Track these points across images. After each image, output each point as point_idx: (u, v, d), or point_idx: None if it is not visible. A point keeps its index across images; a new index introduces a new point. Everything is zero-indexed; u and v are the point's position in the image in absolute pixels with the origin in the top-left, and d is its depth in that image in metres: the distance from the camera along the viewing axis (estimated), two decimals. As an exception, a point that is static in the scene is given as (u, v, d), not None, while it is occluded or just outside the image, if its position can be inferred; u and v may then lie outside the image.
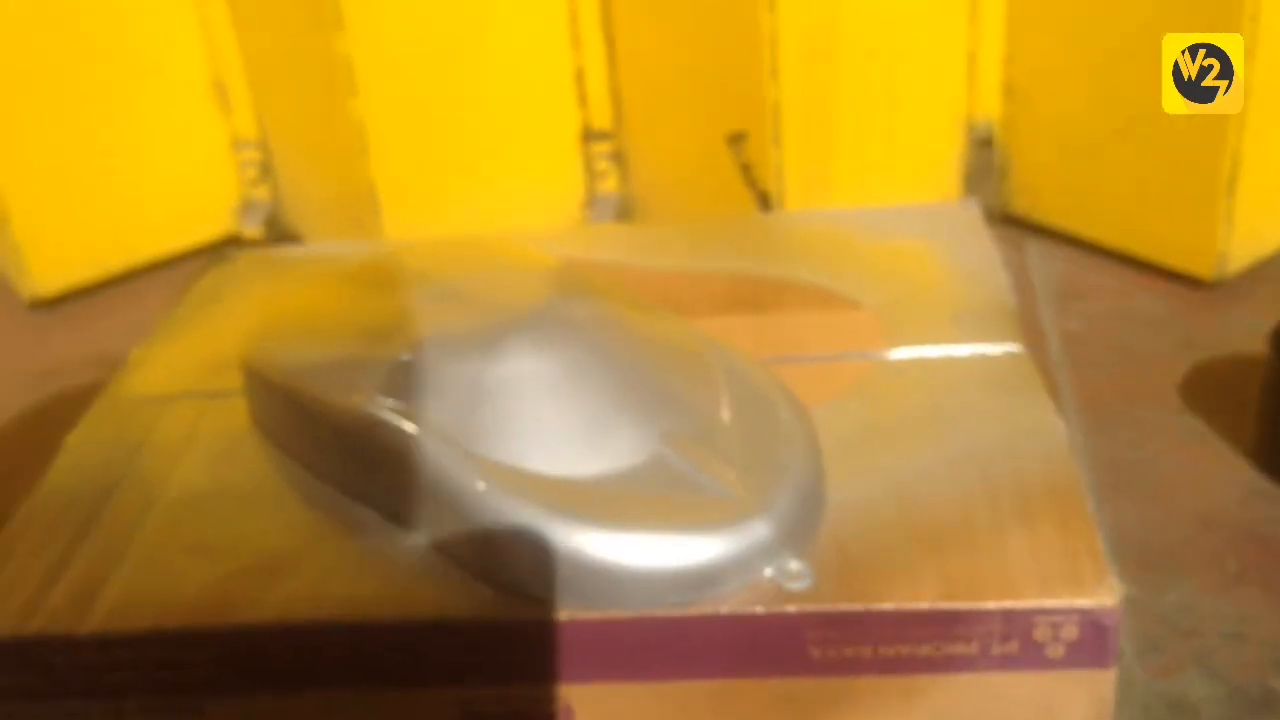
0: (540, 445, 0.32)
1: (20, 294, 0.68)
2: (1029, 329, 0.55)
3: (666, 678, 0.31)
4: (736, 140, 0.62)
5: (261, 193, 0.72)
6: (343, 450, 0.35)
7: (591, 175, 0.69)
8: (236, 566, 0.33)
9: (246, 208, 0.73)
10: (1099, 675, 0.30)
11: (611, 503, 0.31)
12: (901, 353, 0.39)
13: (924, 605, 0.30)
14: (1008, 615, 0.29)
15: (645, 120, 0.67)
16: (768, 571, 0.31)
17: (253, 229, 0.73)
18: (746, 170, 0.62)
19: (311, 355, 0.37)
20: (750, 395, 0.35)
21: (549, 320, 0.35)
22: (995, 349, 0.39)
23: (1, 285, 0.70)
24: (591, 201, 0.69)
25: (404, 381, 0.34)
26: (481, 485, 0.31)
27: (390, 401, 0.34)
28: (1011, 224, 0.67)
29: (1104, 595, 0.29)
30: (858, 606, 0.30)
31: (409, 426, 0.33)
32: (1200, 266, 0.59)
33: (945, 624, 0.30)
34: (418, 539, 0.33)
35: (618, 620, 0.31)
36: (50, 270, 0.67)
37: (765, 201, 0.62)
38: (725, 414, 0.34)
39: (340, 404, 0.35)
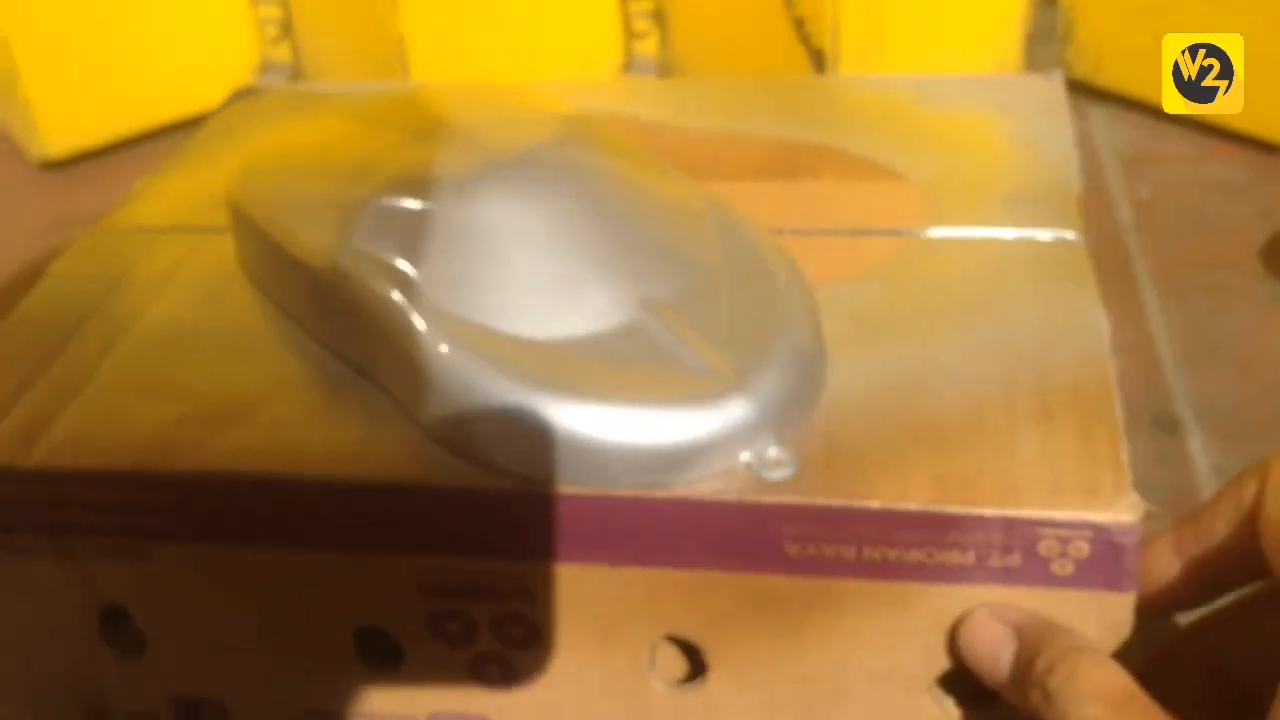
0: (511, 299, 0.30)
1: (30, 154, 0.66)
2: (1096, 196, 0.57)
3: (632, 563, 0.29)
4: None
5: (281, 52, 0.69)
6: (313, 295, 0.33)
7: (630, 35, 0.65)
8: (190, 411, 0.31)
9: (266, 68, 0.70)
10: (1114, 598, 0.27)
11: (579, 369, 0.28)
12: (940, 231, 0.35)
13: (913, 506, 0.26)
14: (1009, 524, 0.26)
15: (689, -25, 0.64)
16: (744, 457, 0.28)
17: None
18: (800, 26, 0.59)
19: (290, 193, 0.35)
20: (749, 268, 0.31)
21: (536, 167, 0.32)
22: (1047, 235, 0.35)
23: (10, 146, 0.67)
24: (630, 63, 0.65)
25: (375, 224, 0.31)
26: (444, 347, 0.29)
27: (359, 245, 0.31)
28: (1073, 89, 0.63)
29: (1122, 510, 0.26)
30: (838, 502, 0.27)
31: (373, 274, 0.30)
32: (1278, 131, 0.55)
33: (937, 528, 0.26)
34: (383, 395, 0.31)
35: (579, 496, 0.28)
36: (61, 131, 0.64)
37: (819, 60, 0.59)
38: (717, 285, 0.30)
39: (308, 245, 0.32)
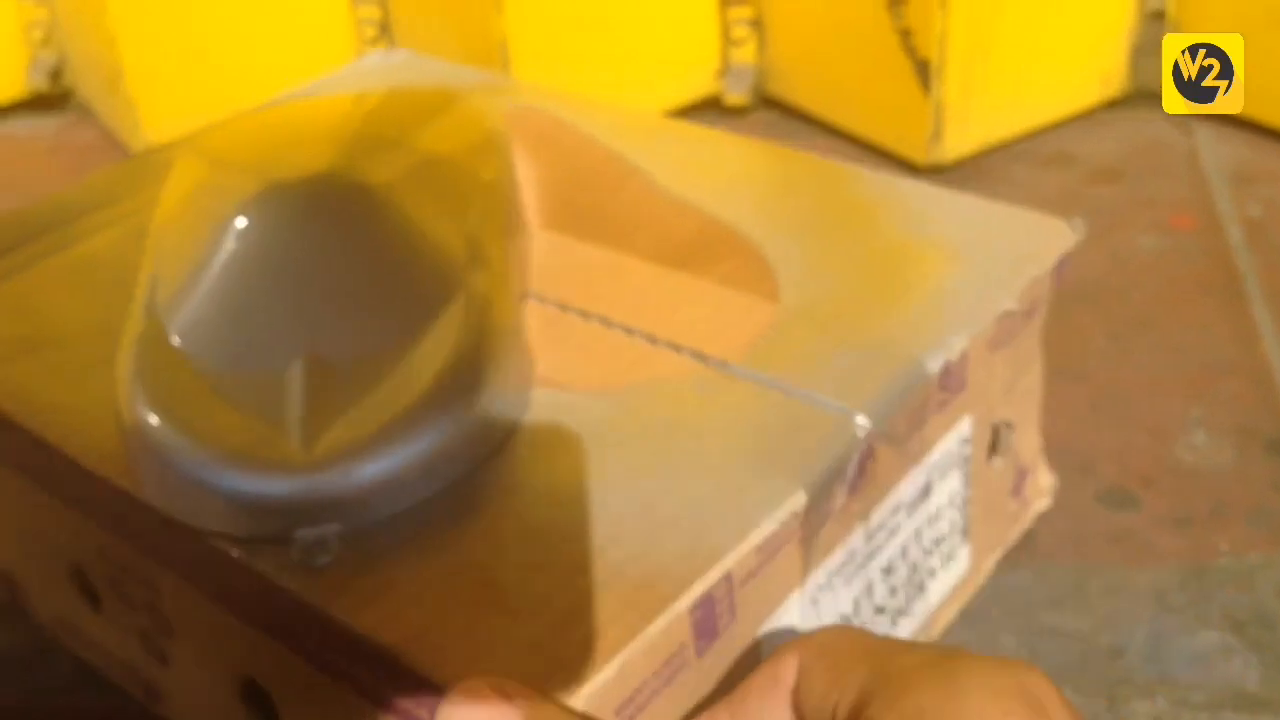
0: (212, 315, 0.30)
1: (131, 148, 0.68)
2: (1204, 215, 0.57)
3: (218, 601, 0.30)
4: (897, 3, 0.57)
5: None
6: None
7: (728, 42, 0.63)
8: (20, 335, 0.35)
9: None
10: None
11: (205, 404, 0.29)
12: (741, 369, 0.32)
13: (371, 634, 0.25)
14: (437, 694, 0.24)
15: (792, -16, 0.63)
16: (300, 534, 0.27)
17: None
18: (905, 37, 0.57)
19: (202, 171, 0.36)
20: (446, 355, 0.30)
21: (301, 194, 0.32)
22: (836, 409, 0.30)
23: (111, 139, 0.71)
24: (726, 70, 0.64)
25: (184, 208, 0.34)
26: (131, 337, 0.31)
27: (159, 232, 0.34)
28: None
29: None
30: (312, 607, 0.26)
31: (147, 258, 0.33)
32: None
33: (387, 669, 0.25)
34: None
35: (173, 521, 0.29)
36: (163, 126, 0.65)
37: (924, 71, 0.57)
38: (397, 359, 0.30)
39: (161, 220, 0.35)
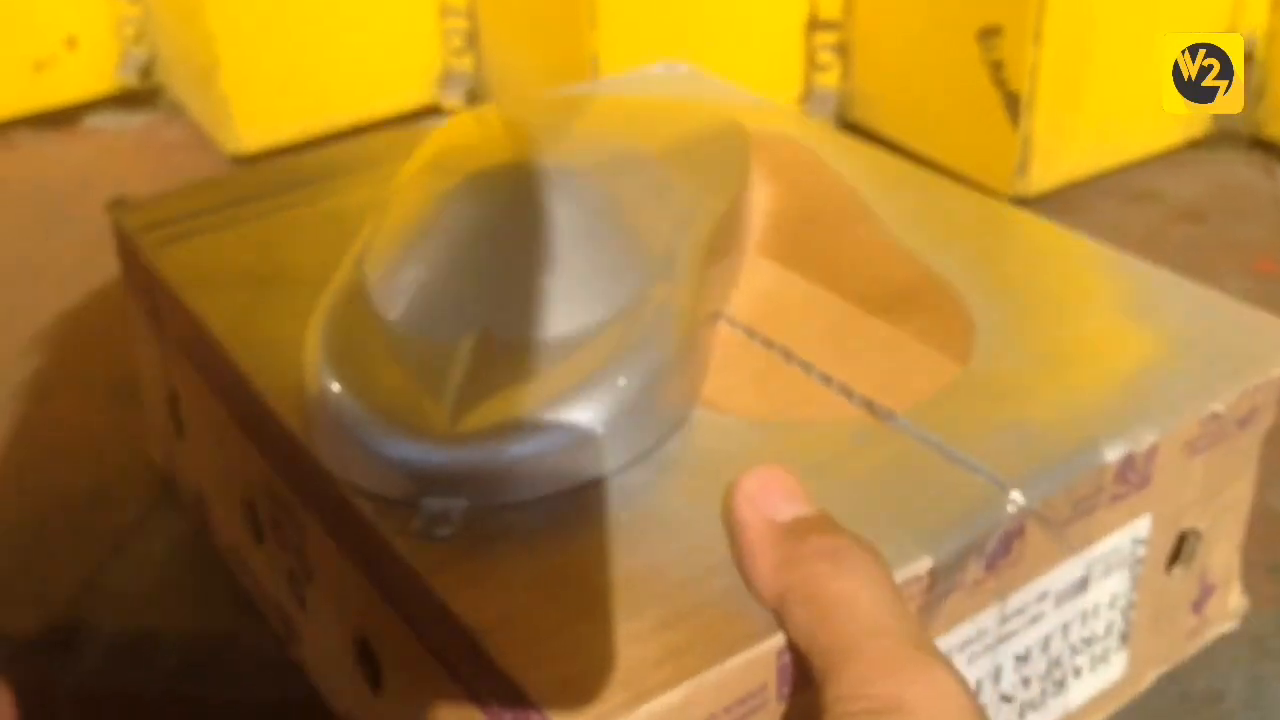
0: (406, 280, 0.32)
1: (223, 148, 0.69)
2: None
3: (352, 557, 0.30)
4: (989, 35, 0.58)
5: (465, 63, 0.70)
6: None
7: (812, 67, 0.64)
8: (253, 269, 0.38)
9: (448, 77, 0.71)
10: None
11: (371, 359, 0.30)
12: (907, 425, 0.31)
13: (462, 615, 0.26)
14: (505, 684, 0.25)
15: (878, 11, 0.63)
16: (427, 501, 0.28)
17: (452, 100, 0.71)
18: (996, 69, 0.58)
19: (432, 150, 0.38)
20: (605, 349, 0.30)
21: (504, 179, 0.33)
22: (990, 479, 0.29)
23: (202, 138, 0.71)
24: (809, 95, 0.65)
25: (413, 182, 0.35)
26: (334, 288, 0.32)
27: (395, 196, 0.36)
28: (1264, 149, 0.66)
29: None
30: (418, 576, 0.27)
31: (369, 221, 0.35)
32: None
33: (471, 652, 0.26)
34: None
35: (320, 468, 0.30)
36: (253, 126, 0.67)
37: (1013, 104, 0.57)
38: (558, 344, 0.30)
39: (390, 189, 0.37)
